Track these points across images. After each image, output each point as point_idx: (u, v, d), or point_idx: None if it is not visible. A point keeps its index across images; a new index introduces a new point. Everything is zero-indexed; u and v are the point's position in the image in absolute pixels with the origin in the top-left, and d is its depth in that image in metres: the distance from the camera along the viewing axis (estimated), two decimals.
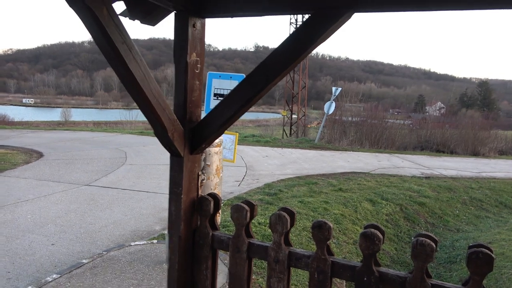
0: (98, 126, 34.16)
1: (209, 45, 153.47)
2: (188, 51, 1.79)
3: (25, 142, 13.65)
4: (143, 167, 9.41)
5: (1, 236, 4.72)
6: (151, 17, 2.01)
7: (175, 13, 1.80)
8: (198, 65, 1.87)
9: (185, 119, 1.85)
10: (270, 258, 1.78)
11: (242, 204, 1.85)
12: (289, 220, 1.74)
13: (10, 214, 5.59)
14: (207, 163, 2.73)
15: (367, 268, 1.56)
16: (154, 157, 10.89)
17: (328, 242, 1.66)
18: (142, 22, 2.11)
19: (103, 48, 1.36)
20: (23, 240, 4.62)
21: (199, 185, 1.98)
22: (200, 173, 1.98)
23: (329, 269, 1.65)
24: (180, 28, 1.80)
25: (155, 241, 4.32)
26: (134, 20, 1.95)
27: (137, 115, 28.69)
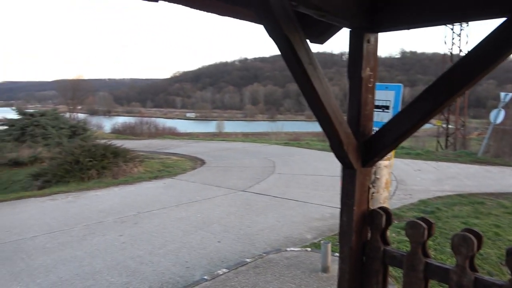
0: (246, 136, 37.04)
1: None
2: (363, 66, 1.84)
3: (190, 150, 15.78)
4: (290, 177, 9.82)
5: (179, 230, 5.57)
6: (323, 36, 2.13)
7: (350, 30, 1.87)
8: (371, 79, 1.90)
9: (359, 132, 1.89)
10: (452, 282, 1.66)
11: (419, 221, 1.78)
12: (475, 243, 1.60)
13: (184, 212, 6.54)
14: (377, 176, 2.70)
15: None
16: (300, 168, 11.23)
17: None
18: (312, 41, 2.25)
19: (293, 68, 1.52)
20: (195, 235, 5.35)
21: (369, 198, 1.99)
22: (370, 186, 1.99)
23: None
24: (355, 44, 1.86)
25: (308, 249, 4.46)
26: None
27: (283, 127, 30.05)
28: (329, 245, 3.74)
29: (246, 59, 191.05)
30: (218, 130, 49.22)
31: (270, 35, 1.46)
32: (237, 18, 1.68)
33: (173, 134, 30.30)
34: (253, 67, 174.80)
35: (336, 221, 5.96)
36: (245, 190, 8.25)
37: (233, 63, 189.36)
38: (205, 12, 1.45)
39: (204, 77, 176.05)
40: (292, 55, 1.45)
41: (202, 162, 12.61)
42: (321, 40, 2.09)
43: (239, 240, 5.12)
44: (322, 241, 3.96)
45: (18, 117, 16.24)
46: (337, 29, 2.10)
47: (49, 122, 15.87)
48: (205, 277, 3.74)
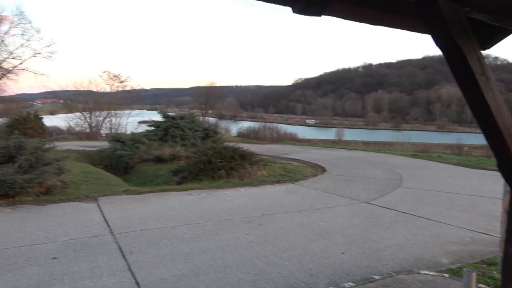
0: (368, 145, 35.53)
1: (496, 58, 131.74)
2: None
3: (311, 157, 15.84)
4: (420, 192, 9.05)
5: (302, 236, 5.63)
6: (490, 42, 1.91)
7: None
8: None
9: None
10: None
11: None
12: None
13: (307, 219, 6.59)
14: None
15: None
16: (431, 183, 10.27)
17: None
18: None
19: (461, 78, 1.40)
20: (318, 243, 5.33)
21: None
22: None
23: None
24: None
25: (446, 275, 4.04)
26: None
27: (410, 137, 27.94)
28: (474, 275, 3.32)
29: (370, 65, 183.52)
30: (338, 138, 48.44)
31: (438, 44, 1.37)
32: (404, 29, 1.63)
33: (293, 140, 30.91)
34: (378, 73, 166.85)
35: (478, 247, 5.29)
36: (369, 202, 7.91)
37: (356, 69, 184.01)
38: (373, 25, 1.43)
39: (325, 84, 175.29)
40: (462, 64, 1.34)
41: (323, 170, 12.53)
42: (487, 45, 1.88)
43: (364, 254, 4.92)
44: (464, 269, 3.53)
45: (162, 120, 18.61)
46: (508, 33, 1.86)
47: (187, 124, 17.77)
48: (331, 287, 3.70)
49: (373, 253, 4.96)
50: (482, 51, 2.06)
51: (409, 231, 5.98)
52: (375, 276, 3.98)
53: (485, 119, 1.46)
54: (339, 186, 9.60)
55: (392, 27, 1.67)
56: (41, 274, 4.09)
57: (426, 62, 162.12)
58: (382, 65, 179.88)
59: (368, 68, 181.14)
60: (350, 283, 3.79)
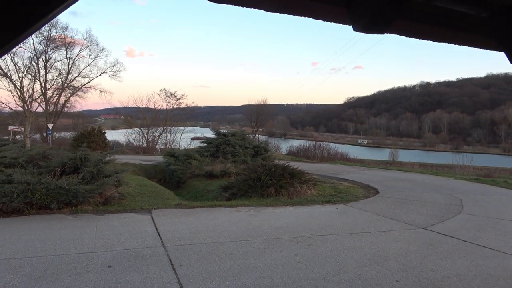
0: (425, 168, 33.75)
1: None
2: None
3: (362, 178, 15.35)
4: (484, 219, 8.38)
5: (352, 260, 5.41)
6: None
7: None
8: None
9: None
10: None
11: None
12: None
13: (358, 242, 6.33)
14: None
15: None
16: (496, 210, 9.48)
17: None
18: None
19: None
20: (370, 268, 5.09)
21: None
22: None
23: None
24: None
25: None
26: None
27: (472, 160, 26.18)
28: None
29: (428, 84, 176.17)
30: (392, 159, 46.57)
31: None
32: (472, 46, 1.55)
33: (344, 159, 30.19)
34: (436, 92, 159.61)
35: None
36: (426, 228, 7.45)
37: (412, 88, 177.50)
38: (436, 42, 1.37)
39: (379, 103, 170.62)
40: None
41: (376, 191, 12.07)
42: None
43: (421, 284, 4.61)
44: None
45: (214, 136, 19.09)
46: None
47: (237, 141, 18.07)
48: None
49: (431, 283, 4.63)
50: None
51: (471, 261, 5.53)
52: None
53: None
54: (393, 210, 9.16)
55: (459, 44, 1.58)
56: (97, 281, 4.29)
57: (490, 81, 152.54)
58: (441, 83, 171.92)
59: (425, 86, 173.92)
60: None
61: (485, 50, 1.57)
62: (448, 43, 1.53)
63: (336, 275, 4.79)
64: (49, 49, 38.52)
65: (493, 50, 1.51)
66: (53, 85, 40.19)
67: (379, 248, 6.00)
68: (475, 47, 1.56)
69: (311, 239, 6.37)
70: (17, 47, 33.31)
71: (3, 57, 34.01)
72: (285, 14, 1.57)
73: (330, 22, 1.48)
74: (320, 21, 1.50)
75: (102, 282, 4.27)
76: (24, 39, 0.83)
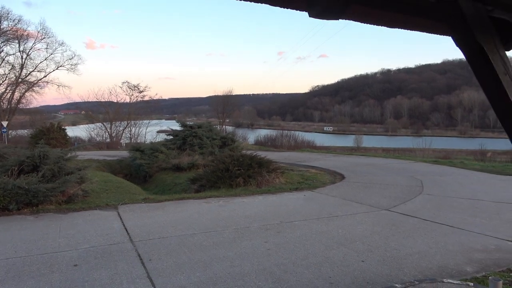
0: (387, 152, 34.98)
1: None
2: None
3: (329, 164, 15.70)
4: (442, 199, 8.82)
5: (320, 244, 5.56)
6: None
7: None
8: None
9: None
10: None
11: None
12: None
13: (325, 226, 6.50)
14: None
15: None
16: (453, 189, 10.00)
17: None
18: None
19: (484, 79, 1.36)
20: (337, 251, 5.25)
21: None
22: None
23: None
24: None
25: (470, 283, 3.89)
26: None
27: (431, 143, 27.37)
28: (500, 283, 3.19)
29: (389, 71, 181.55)
30: (357, 145, 47.82)
31: (460, 45, 1.34)
32: (424, 31, 1.60)
33: (311, 147, 30.72)
34: (397, 79, 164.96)
35: (504, 255, 5.11)
36: (389, 210, 7.76)
37: (374, 75, 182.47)
38: (390, 28, 1.41)
39: (343, 91, 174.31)
40: (484, 64, 1.30)
41: (342, 177, 12.39)
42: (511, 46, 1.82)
43: (385, 263, 4.81)
44: (490, 277, 3.40)
45: (181, 129, 18.82)
46: None
47: (204, 133, 17.92)
48: None
49: (394, 261, 4.85)
50: (506, 52, 2.01)
51: (431, 238, 5.83)
52: (397, 285, 3.87)
53: (510, 121, 1.41)
54: (358, 193, 9.46)
55: (411, 29, 1.64)
56: (63, 281, 4.15)
57: (446, 67, 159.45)
58: (401, 70, 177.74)
59: (386, 74, 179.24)
60: None
61: (436, 35, 1.63)
62: (402, 28, 1.58)
63: (304, 259, 4.90)
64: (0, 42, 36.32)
65: (443, 35, 1.57)
66: (5, 80, 38.02)
67: (346, 231, 6.19)
68: (427, 32, 1.62)
69: (280, 226, 6.47)
70: None
71: None
72: (243, 1, 1.56)
73: (287, 8, 1.48)
74: (285, 9, 1.50)
75: (68, 281, 4.14)
76: None
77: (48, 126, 19.92)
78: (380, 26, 1.58)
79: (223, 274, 4.39)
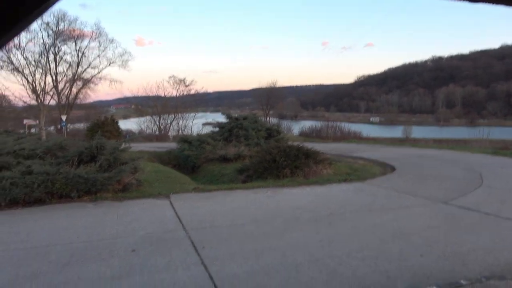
0: (439, 143, 33.28)
1: None
2: None
3: (377, 155, 15.19)
4: (505, 192, 8.22)
5: (375, 236, 5.36)
6: None
7: None
8: None
9: None
10: None
11: None
12: None
13: (379, 219, 6.27)
14: None
15: None
16: None
17: None
18: None
19: None
20: (393, 245, 5.04)
21: None
22: None
23: None
24: None
25: None
26: None
27: (489, 133, 25.65)
28: None
29: (440, 58, 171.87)
30: (406, 136, 45.87)
31: None
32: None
33: (357, 138, 29.95)
34: (449, 66, 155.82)
35: None
36: (446, 203, 7.34)
37: (424, 63, 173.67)
38: (471, 3, 1.24)
39: (390, 80, 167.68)
40: None
41: (392, 168, 11.93)
42: None
43: (446, 258, 4.54)
44: None
45: (226, 121, 19.04)
46: None
47: (250, 125, 17.99)
48: None
49: (456, 257, 4.57)
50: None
51: (496, 233, 5.43)
52: (462, 281, 3.65)
53: None
54: (411, 185, 9.05)
55: (496, 3, 1.45)
56: (122, 265, 4.33)
57: (504, 51, 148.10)
58: (454, 57, 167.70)
59: (437, 61, 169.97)
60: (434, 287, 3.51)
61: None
62: (486, 3, 1.41)
63: (359, 251, 4.76)
64: (58, 42, 38.65)
65: None
66: (64, 77, 40.47)
67: (401, 224, 5.94)
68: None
69: (331, 218, 6.33)
70: (26, 41, 33.47)
71: (14, 53, 34.34)
72: None
73: None
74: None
75: (128, 266, 4.32)
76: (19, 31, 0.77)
77: (103, 119, 20.97)
78: (460, 1, 1.41)
79: (275, 264, 4.36)
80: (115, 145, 8.97)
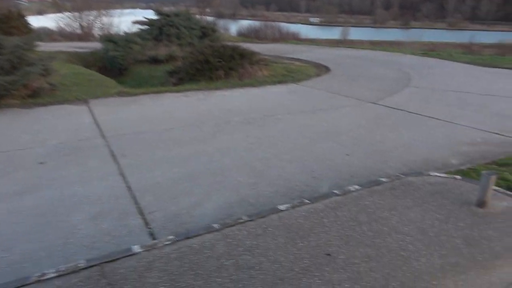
0: (375, 45, 33.86)
1: None
2: None
3: (314, 57, 14.99)
4: (429, 91, 8.57)
5: (305, 137, 5.33)
6: None
7: None
8: None
9: None
10: None
11: None
12: None
13: (310, 120, 6.24)
14: None
15: None
16: (442, 82, 9.72)
17: None
18: None
19: None
20: (322, 144, 5.05)
21: None
22: None
23: None
24: None
25: (457, 176, 3.79)
26: None
27: (421, 35, 26.35)
28: (494, 177, 3.04)
29: None
30: (343, 37, 45.92)
31: None
32: None
33: (296, 39, 29.25)
34: None
35: (490, 148, 5.01)
36: (375, 103, 7.49)
37: None
38: None
39: None
40: None
41: (327, 70, 11.87)
42: None
43: (370, 156, 4.66)
44: (483, 171, 3.24)
45: (156, 17, 17.23)
46: None
47: (182, 22, 16.49)
48: (335, 191, 3.46)
49: (379, 155, 4.70)
50: None
51: (417, 131, 5.67)
52: (382, 179, 3.74)
53: None
54: (343, 86, 9.08)
55: None
56: (28, 179, 3.87)
57: None
58: None
59: None
60: (356, 186, 3.55)
61: None
62: None
63: (288, 153, 4.70)
64: None
65: None
66: None
67: (331, 125, 5.96)
68: None
69: (263, 120, 6.17)
70: None
71: None
72: None
73: None
74: None
75: (35, 179, 3.87)
76: None
77: (7, 13, 17.87)
78: None
79: (201, 170, 4.17)
80: (18, 42, 7.64)
